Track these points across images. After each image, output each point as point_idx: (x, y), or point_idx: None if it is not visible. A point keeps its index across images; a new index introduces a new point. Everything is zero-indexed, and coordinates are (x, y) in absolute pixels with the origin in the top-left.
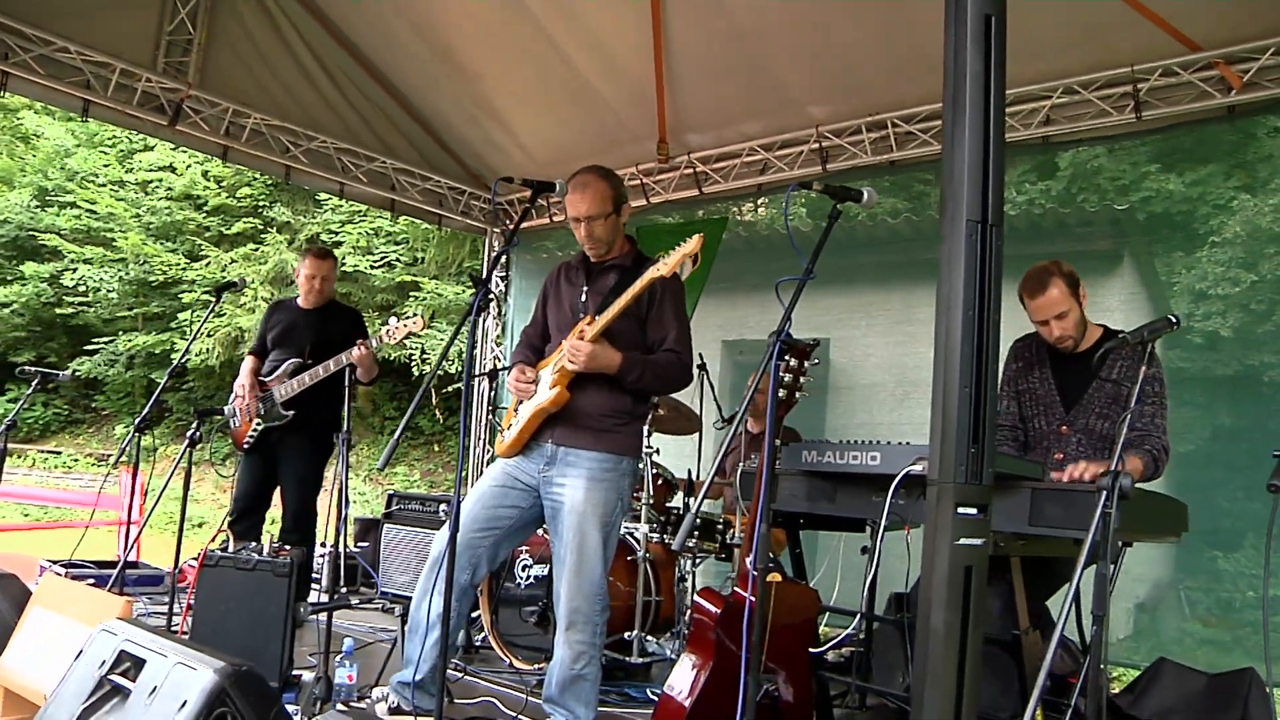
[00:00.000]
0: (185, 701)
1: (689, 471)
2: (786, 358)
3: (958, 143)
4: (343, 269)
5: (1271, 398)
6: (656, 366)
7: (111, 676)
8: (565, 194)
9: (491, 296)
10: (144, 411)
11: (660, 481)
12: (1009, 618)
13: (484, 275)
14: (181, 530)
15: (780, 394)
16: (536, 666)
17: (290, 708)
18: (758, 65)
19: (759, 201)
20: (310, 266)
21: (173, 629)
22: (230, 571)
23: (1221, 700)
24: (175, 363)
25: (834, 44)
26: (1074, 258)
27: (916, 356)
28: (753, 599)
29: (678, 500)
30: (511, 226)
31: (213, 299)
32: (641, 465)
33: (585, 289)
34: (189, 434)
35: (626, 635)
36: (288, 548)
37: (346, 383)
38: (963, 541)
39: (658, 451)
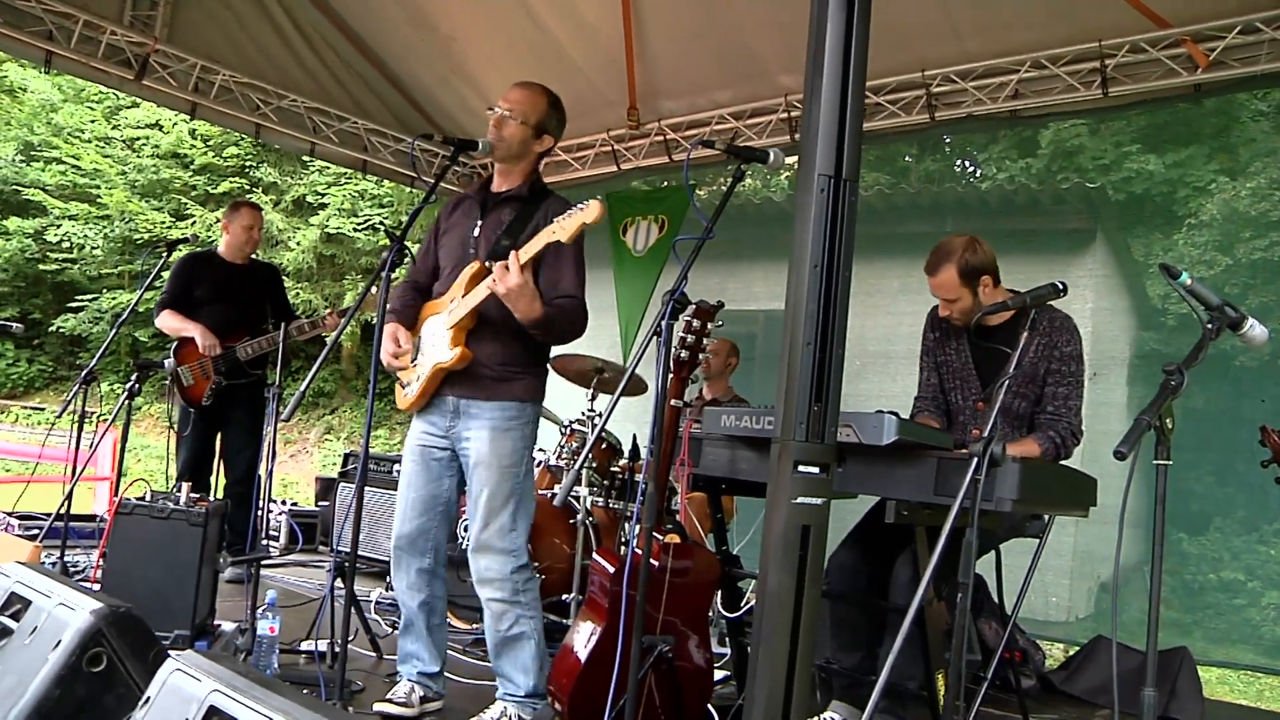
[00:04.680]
0: (60, 641)
1: (634, 436)
2: (690, 319)
3: (815, 96)
4: (327, 231)
5: (1242, 381)
6: (564, 315)
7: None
8: (489, 152)
9: (406, 253)
10: (91, 364)
11: (604, 445)
12: (917, 588)
13: (401, 232)
14: (119, 480)
15: (683, 355)
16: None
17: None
18: (729, 33)
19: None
20: (248, 217)
21: None
22: (146, 520)
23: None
24: (124, 315)
25: (804, 13)
26: (1046, 235)
27: (878, 329)
28: (638, 551)
29: (622, 464)
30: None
31: (164, 254)
32: (586, 429)
33: (480, 222)
34: (128, 385)
35: (564, 597)
36: (208, 499)
37: (282, 340)
38: (800, 500)
39: (601, 414)
